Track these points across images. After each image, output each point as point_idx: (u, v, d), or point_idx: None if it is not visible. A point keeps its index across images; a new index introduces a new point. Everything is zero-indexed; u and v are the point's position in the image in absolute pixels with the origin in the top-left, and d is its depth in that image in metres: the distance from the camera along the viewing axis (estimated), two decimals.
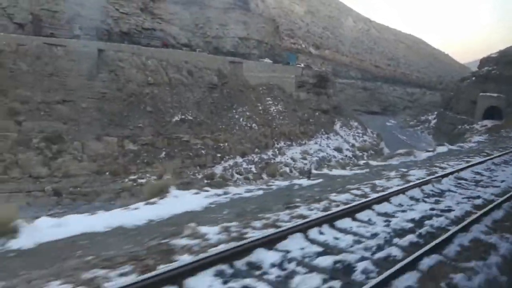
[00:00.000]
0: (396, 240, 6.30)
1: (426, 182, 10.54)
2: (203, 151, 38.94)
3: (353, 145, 53.53)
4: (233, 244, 5.35)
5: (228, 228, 6.41)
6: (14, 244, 6.25)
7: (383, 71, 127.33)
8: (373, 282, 4.54)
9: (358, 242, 6.10)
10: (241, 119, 44.27)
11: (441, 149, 23.31)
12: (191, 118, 39.86)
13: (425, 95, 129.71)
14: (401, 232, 6.72)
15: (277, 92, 50.80)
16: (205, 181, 36.09)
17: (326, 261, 5.15)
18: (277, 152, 44.17)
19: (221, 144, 40.78)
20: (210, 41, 50.79)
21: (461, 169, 13.13)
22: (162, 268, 4.75)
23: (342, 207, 7.60)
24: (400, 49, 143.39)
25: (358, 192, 9.53)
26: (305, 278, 4.71)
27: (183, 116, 39.51)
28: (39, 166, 30.31)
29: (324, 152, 47.72)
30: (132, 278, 4.52)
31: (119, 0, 41.68)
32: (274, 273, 4.88)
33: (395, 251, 5.72)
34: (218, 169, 38.19)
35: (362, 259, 5.37)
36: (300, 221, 6.48)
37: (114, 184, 32.43)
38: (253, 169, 39.84)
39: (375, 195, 8.76)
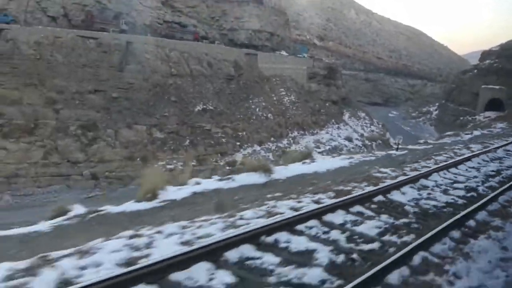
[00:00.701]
0: (490, 179, 9.85)
1: (487, 152, 14.08)
2: (223, 140, 41.05)
3: (362, 135, 55.74)
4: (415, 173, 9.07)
5: (394, 170, 9.47)
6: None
7: (385, 63, 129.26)
8: (491, 194, 7.87)
9: (470, 178, 9.70)
10: (257, 109, 46.34)
11: (476, 132, 28.07)
12: (212, 108, 41.90)
13: (426, 86, 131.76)
14: (490, 176, 10.24)
15: (289, 83, 52.84)
16: (227, 167, 38.30)
17: (457, 191, 8.26)
18: (292, 141, 46.35)
19: (240, 133, 42.89)
20: (226, 33, 52.71)
21: (504, 145, 16.90)
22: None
23: (446, 162, 11.06)
24: (401, 41, 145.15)
25: (446, 156, 12.88)
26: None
27: (204, 106, 41.54)
28: (77, 151, 32.40)
29: (335, 141, 49.92)
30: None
31: None
32: (438, 190, 8.22)
33: (492, 184, 9.25)
34: (238, 157, 40.23)
35: (478, 185, 8.91)
36: (434, 167, 10.19)
37: (144, 169, 34.46)
38: (271, 157, 41.92)
39: (460, 158, 12.15)
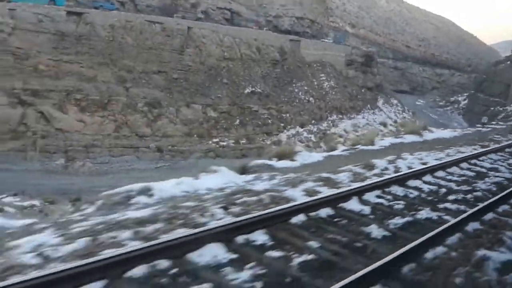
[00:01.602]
0: None
1: None
2: (269, 121, 44.19)
3: (395, 121, 58.16)
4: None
5: (501, 136, 12.87)
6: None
7: (414, 52, 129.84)
8: None
9: None
10: (300, 93, 49.25)
11: None
12: (259, 91, 44.96)
13: (454, 76, 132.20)
14: None
15: (329, 69, 55.47)
16: (273, 147, 41.54)
17: None
18: (331, 124, 49.21)
19: (284, 115, 45.94)
20: (271, 20, 55.42)
21: None
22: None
23: None
24: (430, 30, 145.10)
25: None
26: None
27: (253, 89, 44.61)
28: (144, 126, 35.97)
29: (371, 125, 52.60)
30: None
31: None
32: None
33: None
34: (282, 137, 43.43)
35: None
36: None
37: (201, 145, 37.99)
38: (312, 138, 45.06)
39: None
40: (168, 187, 6.43)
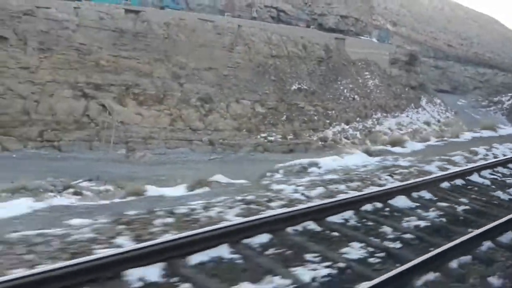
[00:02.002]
0: None
1: None
2: (315, 117, 44.88)
3: (438, 120, 57.84)
4: None
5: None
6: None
7: (456, 51, 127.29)
8: None
9: None
10: (345, 91, 49.71)
11: None
12: (305, 88, 45.72)
13: (497, 76, 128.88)
14: None
15: (373, 68, 55.62)
16: (320, 143, 42.28)
17: None
18: (376, 122, 49.45)
19: (329, 112, 46.53)
20: (316, 18, 56.02)
21: None
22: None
23: None
24: (473, 29, 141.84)
25: None
26: None
27: (299, 86, 45.42)
28: (196, 120, 37.37)
29: (415, 124, 52.52)
30: None
31: None
32: None
33: None
34: (328, 134, 44.04)
35: None
36: None
37: (249, 140, 39.07)
38: (358, 135, 45.46)
39: None
40: (327, 162, 7.92)
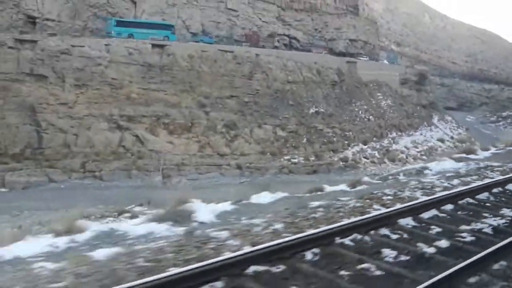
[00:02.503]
0: None
1: None
2: (334, 138, 46.49)
3: (452, 137, 59.26)
4: None
5: None
6: None
7: (461, 68, 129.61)
8: None
9: None
10: (360, 112, 51.47)
11: None
12: (322, 111, 47.54)
13: (503, 91, 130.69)
14: None
15: (385, 88, 57.50)
16: (341, 163, 43.83)
17: None
18: (392, 141, 50.99)
19: (347, 133, 48.16)
20: (326, 43, 58.29)
21: None
22: None
23: None
24: (476, 45, 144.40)
25: None
26: None
27: (316, 109, 47.25)
28: (223, 146, 39.09)
29: (430, 142, 54.02)
30: None
31: (261, 11, 50.11)
32: None
33: None
34: (348, 154, 45.57)
35: None
36: None
37: (274, 162, 40.66)
38: (376, 155, 46.97)
39: None
40: (433, 166, 9.98)
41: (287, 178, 38.04)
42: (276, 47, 45.65)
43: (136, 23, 42.43)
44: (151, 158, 35.49)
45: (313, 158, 42.96)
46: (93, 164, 32.88)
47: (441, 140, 55.97)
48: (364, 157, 45.66)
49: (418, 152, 49.93)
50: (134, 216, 21.38)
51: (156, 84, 38.54)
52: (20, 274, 4.37)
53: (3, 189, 29.20)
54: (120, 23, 40.71)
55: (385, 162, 46.13)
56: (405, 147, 50.68)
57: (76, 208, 24.00)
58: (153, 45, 38.86)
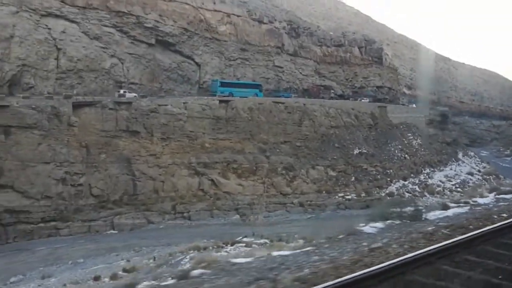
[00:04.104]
0: None
1: None
2: (378, 176, 51.00)
3: (479, 171, 63.66)
4: None
5: None
6: None
7: (469, 106, 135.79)
8: None
9: None
10: (396, 151, 56.24)
11: None
12: (365, 151, 52.31)
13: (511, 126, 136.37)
14: None
15: (413, 129, 62.54)
16: (388, 198, 48.07)
17: None
18: (427, 176, 55.43)
19: (388, 171, 52.69)
20: (356, 91, 63.95)
21: None
22: None
23: None
24: (480, 84, 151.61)
25: None
26: None
27: (359, 150, 52.03)
28: (285, 186, 43.58)
29: (461, 176, 58.39)
30: None
31: (301, 66, 56.04)
32: None
33: None
34: (393, 189, 49.90)
35: None
36: None
37: (330, 199, 44.97)
38: (417, 189, 51.29)
39: None
40: (478, 200, 13.80)
41: (346, 213, 42.29)
42: (331, 98, 51.29)
43: (234, 84, 49.97)
44: (226, 199, 39.97)
45: (363, 194, 47.26)
46: (181, 206, 37.31)
47: (470, 174, 60.31)
48: (407, 192, 49.95)
49: (452, 185, 54.26)
50: (248, 245, 25.83)
51: (223, 134, 43.53)
52: None
53: (113, 231, 33.54)
54: (223, 84, 48.38)
55: (425, 195, 50.39)
56: (440, 181, 55.02)
57: (190, 243, 28.47)
58: (220, 101, 44.17)
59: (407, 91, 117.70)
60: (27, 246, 30.04)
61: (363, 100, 60.68)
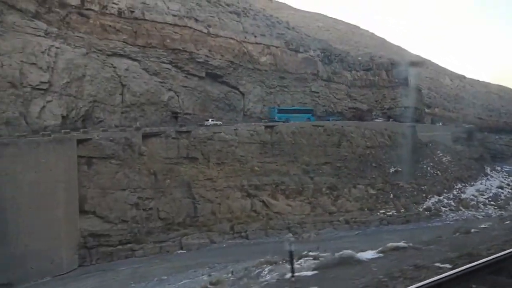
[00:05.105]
0: None
1: None
2: (414, 192, 53.39)
3: (508, 184, 65.73)
4: None
5: None
6: None
7: (486, 122, 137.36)
8: None
9: None
10: (428, 168, 58.69)
11: None
12: (400, 169, 54.79)
13: None
14: None
15: (442, 146, 65.05)
16: (426, 212, 50.34)
17: None
18: (460, 191, 57.66)
19: (422, 187, 55.09)
20: (386, 111, 66.81)
21: None
22: None
23: None
24: (496, 100, 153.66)
25: None
26: None
27: (395, 168, 54.56)
28: (330, 205, 46.15)
29: (492, 190, 60.54)
30: None
31: (335, 91, 59.20)
32: None
33: None
34: (429, 205, 52.18)
35: None
36: None
37: (372, 216, 47.35)
38: (452, 203, 53.52)
39: None
40: None
41: (389, 228, 44.64)
42: (373, 119, 54.57)
43: (289, 110, 54.22)
44: (278, 218, 42.64)
45: (403, 210, 49.64)
46: (239, 226, 40.03)
47: (501, 187, 62.44)
48: (443, 206, 52.22)
49: (485, 199, 56.43)
50: (316, 258, 28.53)
51: (270, 157, 46.47)
52: None
53: (181, 251, 36.28)
54: (280, 111, 52.81)
55: (461, 209, 52.63)
56: (473, 195, 57.21)
57: (259, 259, 31.22)
58: (266, 127, 47.27)
59: (426, 110, 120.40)
60: (110, 267, 32.78)
61: (377, 120, 63.51)
